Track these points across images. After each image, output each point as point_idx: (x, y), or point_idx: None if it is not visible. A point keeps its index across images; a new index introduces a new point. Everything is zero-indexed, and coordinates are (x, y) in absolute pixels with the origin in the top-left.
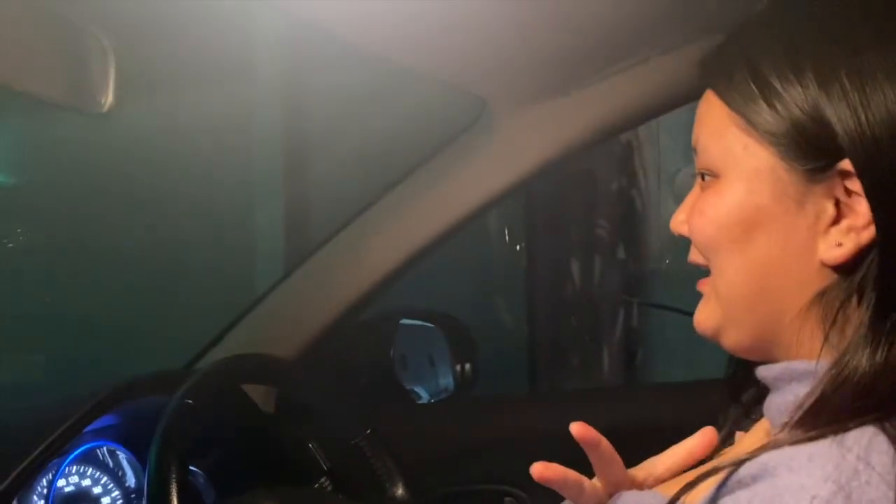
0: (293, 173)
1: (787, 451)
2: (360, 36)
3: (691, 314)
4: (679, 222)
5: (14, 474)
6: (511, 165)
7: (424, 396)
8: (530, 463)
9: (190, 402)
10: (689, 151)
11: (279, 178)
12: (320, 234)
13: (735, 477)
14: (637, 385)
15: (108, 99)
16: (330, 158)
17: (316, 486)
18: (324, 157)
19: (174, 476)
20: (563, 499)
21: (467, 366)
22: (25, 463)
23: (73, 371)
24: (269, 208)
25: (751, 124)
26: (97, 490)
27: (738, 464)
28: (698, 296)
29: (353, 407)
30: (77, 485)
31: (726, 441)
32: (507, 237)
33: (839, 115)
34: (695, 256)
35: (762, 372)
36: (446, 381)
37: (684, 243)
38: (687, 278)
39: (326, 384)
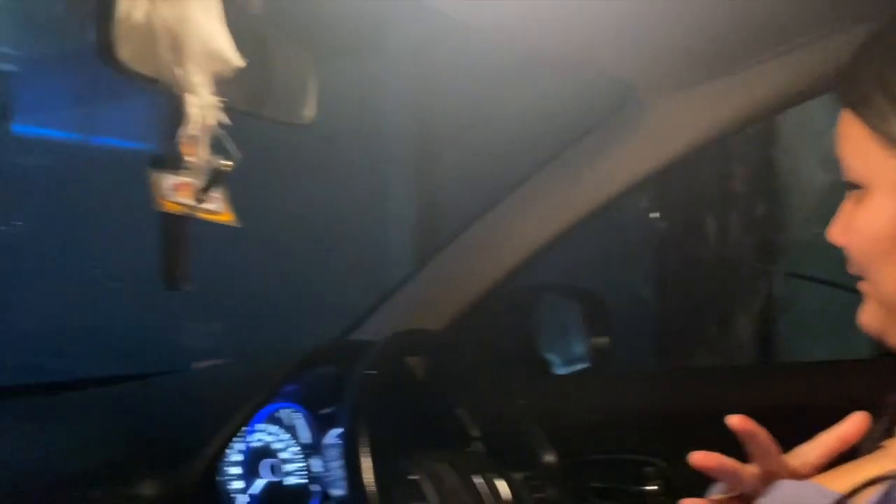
0: (426, 160)
1: None
2: (506, 30)
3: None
4: (836, 234)
5: (223, 434)
6: (659, 149)
7: (561, 368)
8: (669, 434)
9: (371, 373)
10: (836, 111)
11: (411, 164)
12: (452, 221)
13: None
14: (775, 363)
15: (311, 112)
16: (467, 146)
17: (470, 449)
18: (461, 144)
19: (365, 442)
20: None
21: (603, 339)
22: (232, 424)
23: (243, 338)
24: (402, 199)
25: (891, 141)
26: (278, 446)
27: None
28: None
29: (505, 377)
30: (263, 441)
31: (891, 430)
32: (640, 204)
33: None
34: (853, 269)
35: None
36: (582, 354)
37: (829, 210)
38: (832, 248)
39: (478, 356)
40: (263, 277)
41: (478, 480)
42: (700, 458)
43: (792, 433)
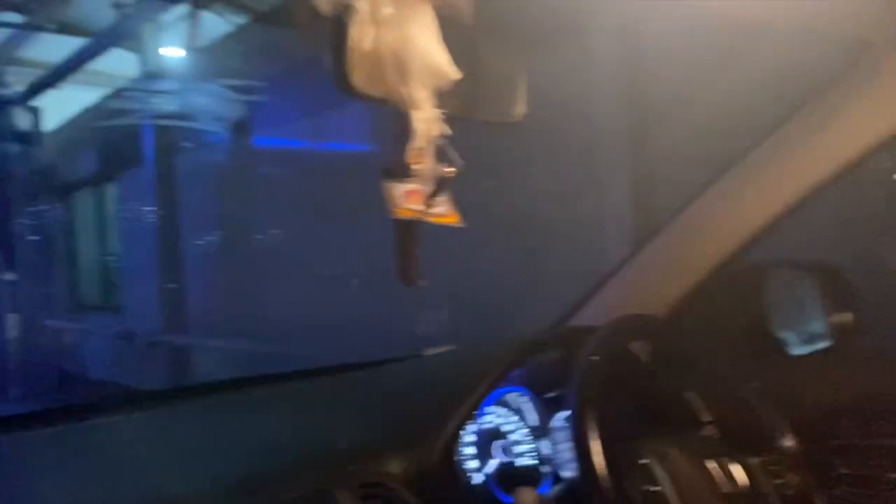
0: (640, 140)
1: None
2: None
3: None
4: None
5: (460, 415)
6: None
7: (798, 348)
8: None
9: (596, 358)
10: None
11: (625, 145)
12: (670, 200)
13: None
14: None
15: (522, 108)
16: (682, 122)
17: (702, 434)
18: (675, 121)
19: (593, 425)
20: None
21: (847, 316)
22: (468, 406)
23: (469, 325)
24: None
25: None
26: (508, 428)
27: None
28: None
29: (736, 360)
30: (493, 423)
31: None
32: (882, 165)
33: None
34: None
35: None
36: (821, 332)
37: None
38: None
39: (706, 339)
40: (487, 267)
41: (711, 465)
42: None
43: None
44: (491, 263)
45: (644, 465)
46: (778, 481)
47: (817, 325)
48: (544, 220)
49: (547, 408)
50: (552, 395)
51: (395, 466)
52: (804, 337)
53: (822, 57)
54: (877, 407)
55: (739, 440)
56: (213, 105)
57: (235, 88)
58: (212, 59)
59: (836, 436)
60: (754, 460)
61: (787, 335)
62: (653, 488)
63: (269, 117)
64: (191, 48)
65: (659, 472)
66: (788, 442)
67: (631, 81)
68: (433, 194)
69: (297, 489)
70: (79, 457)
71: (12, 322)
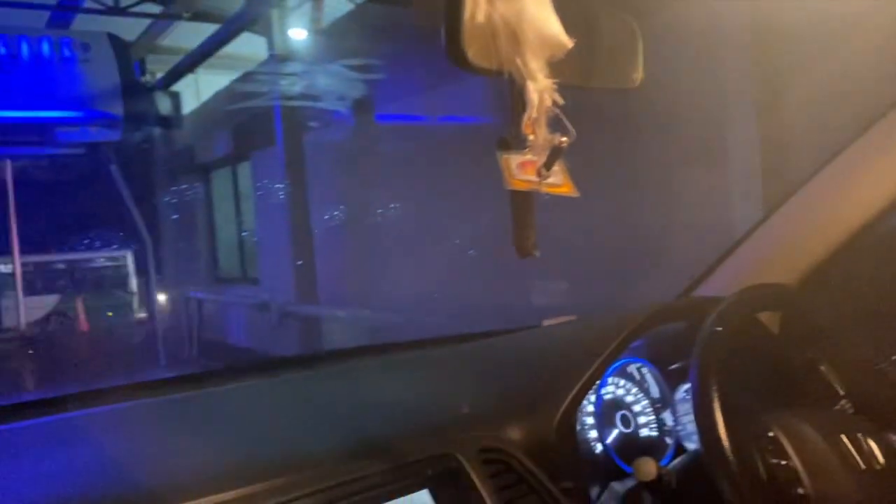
0: (769, 103)
1: None
2: None
3: None
4: None
5: (581, 383)
6: None
7: None
8: None
9: (720, 329)
10: None
11: (753, 109)
12: (802, 164)
13: None
14: None
15: (640, 74)
16: (813, 82)
17: (836, 408)
18: (806, 81)
19: (716, 398)
20: None
21: None
22: (589, 374)
23: (592, 295)
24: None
25: None
26: (629, 399)
27: None
28: None
29: (874, 332)
30: (614, 394)
31: None
32: None
33: None
34: None
35: None
36: None
37: None
38: None
39: (841, 309)
40: (611, 236)
41: (845, 440)
42: None
43: None
44: (618, 231)
45: (772, 437)
46: None
47: None
48: (670, 188)
49: (669, 379)
50: (675, 366)
51: (515, 433)
52: None
53: None
54: None
55: (877, 416)
56: (336, 84)
57: (356, 68)
58: (334, 39)
59: None
60: (894, 437)
61: None
62: (781, 461)
63: (389, 94)
64: (314, 30)
65: (787, 445)
66: None
67: (758, 46)
68: (548, 165)
69: (423, 451)
70: (218, 419)
71: (158, 292)
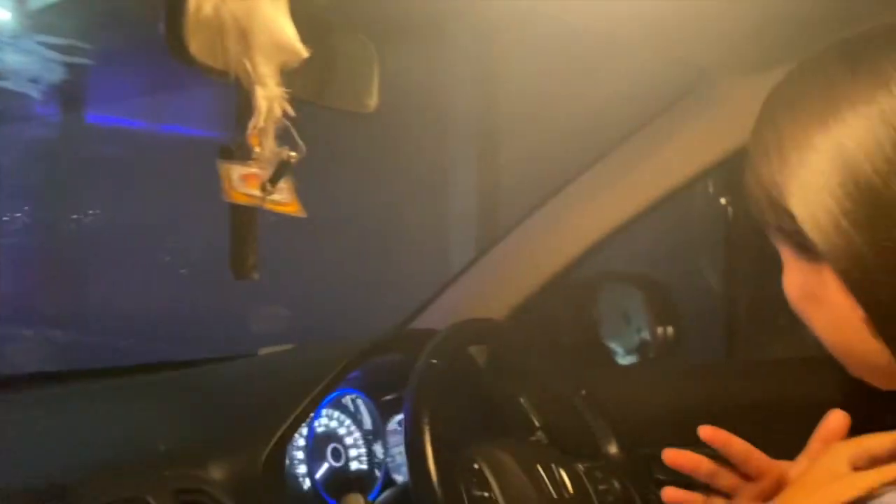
0: (489, 148)
1: None
2: (576, 12)
3: None
4: None
5: (292, 418)
6: (729, 134)
7: (625, 358)
8: (740, 426)
9: (435, 361)
10: None
11: (474, 152)
12: (514, 209)
13: None
14: None
15: (374, 100)
16: (531, 133)
17: (533, 439)
18: (524, 131)
19: (428, 430)
20: None
21: (669, 329)
22: (302, 407)
23: (308, 324)
24: (464, 186)
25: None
26: (342, 431)
27: (868, 499)
28: None
29: (568, 367)
30: (327, 426)
31: None
32: (710, 188)
33: None
34: None
35: None
36: (646, 343)
37: None
38: None
39: (541, 345)
40: (328, 264)
41: (540, 470)
42: (672, 456)
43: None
44: (335, 260)
45: (476, 469)
46: (601, 487)
47: (643, 336)
48: (390, 221)
49: (383, 410)
50: (389, 397)
51: (218, 472)
52: (630, 347)
53: (664, 79)
54: (689, 415)
55: (568, 446)
56: (29, 64)
57: (59, 48)
58: (36, 16)
59: (653, 443)
60: (580, 466)
61: (614, 344)
62: (484, 493)
63: (98, 88)
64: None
65: (490, 476)
66: (613, 449)
67: (483, 88)
68: (273, 179)
69: (108, 495)
70: None
71: None
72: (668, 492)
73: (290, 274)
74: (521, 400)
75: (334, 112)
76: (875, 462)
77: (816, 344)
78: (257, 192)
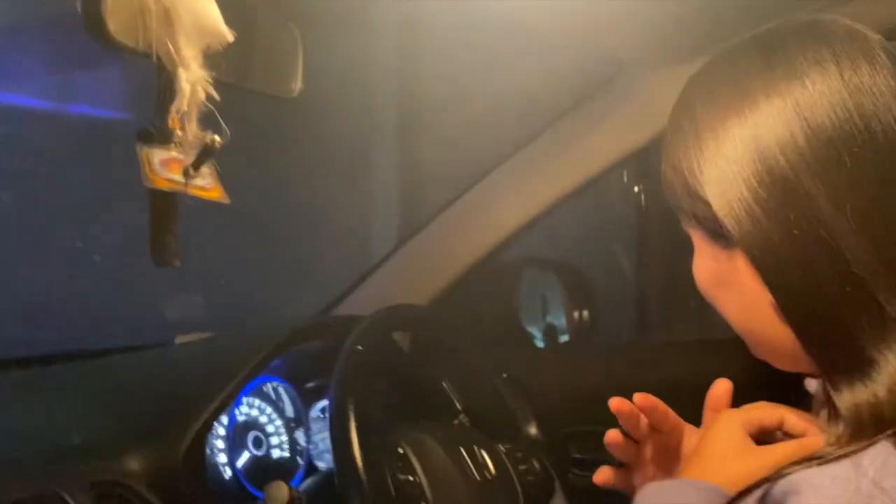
0: (410, 135)
1: (815, 472)
2: (499, 4)
3: None
4: None
5: (212, 408)
6: (645, 124)
7: (543, 341)
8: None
9: (360, 348)
10: None
11: (396, 139)
12: (437, 196)
13: (773, 491)
14: None
15: (299, 85)
16: (452, 122)
17: (455, 422)
18: (446, 119)
19: (353, 416)
20: None
21: (584, 313)
22: (221, 398)
23: (227, 312)
24: (386, 174)
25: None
26: (263, 419)
27: (776, 478)
28: None
29: (490, 351)
30: (248, 415)
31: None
32: (624, 178)
33: None
34: None
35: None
36: (563, 327)
37: None
38: None
39: (463, 330)
40: (248, 251)
41: (463, 452)
42: (617, 404)
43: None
44: (255, 247)
45: (401, 454)
46: (522, 467)
47: (560, 320)
48: (313, 208)
49: (305, 398)
50: (312, 384)
51: (135, 464)
52: (548, 330)
53: (584, 69)
54: (604, 396)
55: (490, 428)
56: None
57: None
58: None
59: (570, 423)
60: (501, 448)
61: (533, 328)
62: (409, 477)
63: (11, 70)
64: None
65: (414, 461)
66: (532, 430)
67: (406, 76)
68: (196, 164)
69: (19, 491)
70: None
71: None
72: (601, 474)
73: (208, 261)
74: (444, 384)
75: (255, 97)
76: (765, 433)
77: (724, 327)
78: (179, 178)
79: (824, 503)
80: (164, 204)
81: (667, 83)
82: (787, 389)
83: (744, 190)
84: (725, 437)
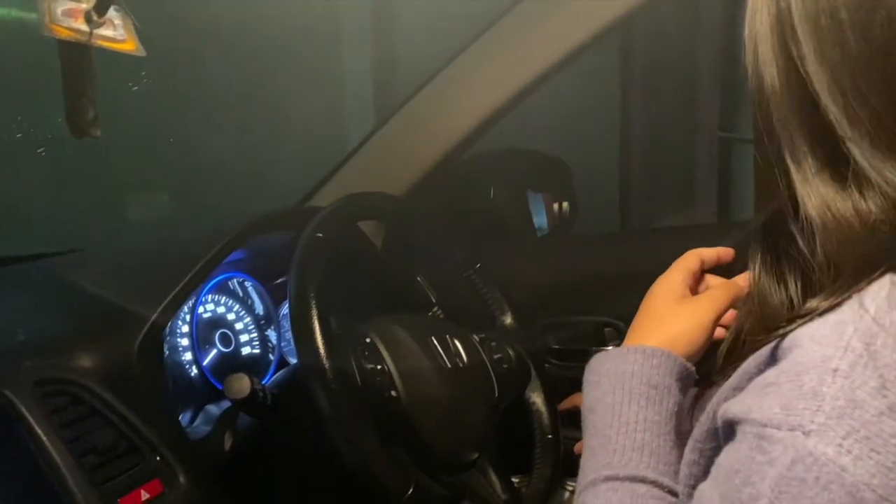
0: (383, 18)
1: (815, 323)
2: None
3: None
4: None
5: (166, 302)
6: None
7: (522, 232)
8: (630, 296)
9: (320, 235)
10: None
11: (368, 24)
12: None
13: (775, 350)
14: (731, 222)
15: None
16: (423, 5)
17: (429, 314)
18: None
19: (314, 303)
20: None
21: (565, 204)
22: (176, 291)
23: (193, 209)
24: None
25: None
26: (231, 317)
27: (780, 336)
28: None
29: (463, 243)
30: (213, 312)
31: None
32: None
33: None
34: None
35: None
36: (543, 219)
37: None
38: None
39: (437, 222)
40: (220, 143)
41: (434, 341)
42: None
43: None
44: (225, 141)
45: (368, 343)
46: (497, 356)
47: (539, 211)
48: (284, 97)
49: (274, 294)
50: (280, 281)
51: (86, 361)
52: (525, 222)
53: None
54: (583, 285)
55: (464, 320)
56: None
57: None
58: None
59: (547, 313)
60: (475, 337)
61: (512, 220)
62: (377, 366)
63: None
64: None
65: (382, 349)
66: (508, 319)
67: None
68: (99, 9)
69: None
70: None
71: None
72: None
73: (179, 154)
74: (418, 278)
75: None
76: (698, 279)
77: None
78: (83, 27)
79: (827, 350)
80: (75, 62)
81: None
82: None
83: None
84: (663, 297)
